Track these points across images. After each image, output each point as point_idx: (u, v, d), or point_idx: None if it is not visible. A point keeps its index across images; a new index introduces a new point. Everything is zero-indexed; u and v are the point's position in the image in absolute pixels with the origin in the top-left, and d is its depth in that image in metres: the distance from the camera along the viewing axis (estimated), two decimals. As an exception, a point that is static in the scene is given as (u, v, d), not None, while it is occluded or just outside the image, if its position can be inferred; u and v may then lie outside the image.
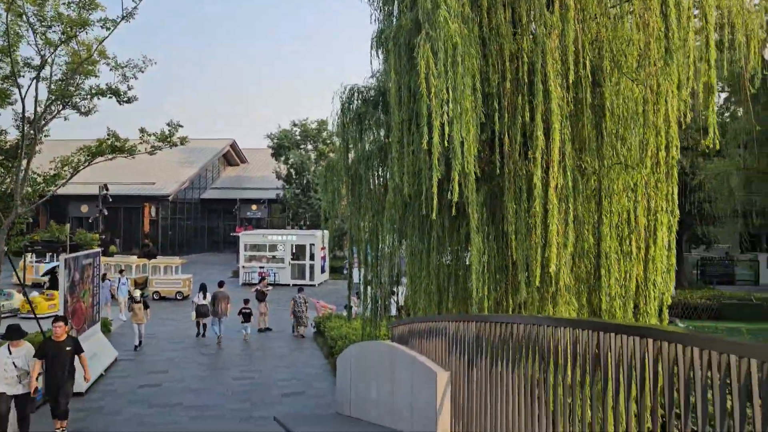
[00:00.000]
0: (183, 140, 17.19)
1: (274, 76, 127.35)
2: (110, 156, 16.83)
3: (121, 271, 24.81)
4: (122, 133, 17.10)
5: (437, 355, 6.61)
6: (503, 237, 9.88)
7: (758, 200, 24.38)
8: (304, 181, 43.32)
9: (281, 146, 43.18)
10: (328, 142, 44.05)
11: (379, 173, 11.86)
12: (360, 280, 13.85)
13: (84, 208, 49.08)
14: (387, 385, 8.21)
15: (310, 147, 44.51)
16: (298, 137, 43.94)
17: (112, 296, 23.10)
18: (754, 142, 19.65)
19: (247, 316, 19.60)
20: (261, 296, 21.23)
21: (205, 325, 19.74)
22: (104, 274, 25.24)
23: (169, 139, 16.91)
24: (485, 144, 10.24)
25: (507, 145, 9.19)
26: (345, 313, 21.89)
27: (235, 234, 40.40)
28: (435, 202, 9.71)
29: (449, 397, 6.08)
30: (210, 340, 19.07)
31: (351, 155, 12.49)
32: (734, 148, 21.96)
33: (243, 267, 33.98)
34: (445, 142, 8.11)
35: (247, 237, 34.85)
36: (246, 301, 20.21)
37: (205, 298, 19.71)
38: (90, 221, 49.24)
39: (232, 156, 61.41)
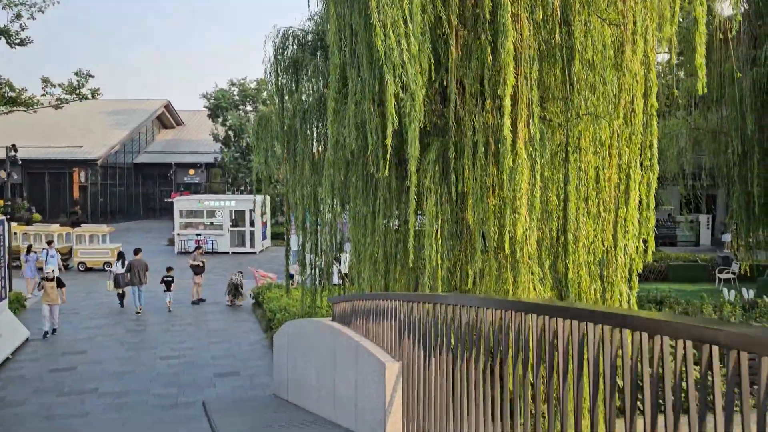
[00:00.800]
0: (94, 93, 15.29)
1: (209, 33, 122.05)
2: (4, 110, 14.76)
3: (49, 242, 22.13)
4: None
5: (386, 341, 5.51)
6: (458, 199, 8.82)
7: (704, 161, 24.17)
8: (244, 144, 41.27)
9: (218, 107, 40.87)
10: (269, 102, 41.96)
11: (318, 128, 10.55)
12: (299, 247, 12.65)
13: (3, 174, 45.61)
14: (329, 371, 7.10)
15: (249, 108, 42.34)
16: (237, 97, 41.67)
17: (40, 270, 20.74)
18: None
19: (168, 284, 18.43)
20: (197, 269, 19.68)
21: (124, 294, 18.71)
22: (29, 246, 22.95)
23: (77, 91, 14.97)
24: (437, 94, 9.09)
25: (466, 94, 8.04)
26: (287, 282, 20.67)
27: (170, 200, 38.22)
28: (382, 159, 8.56)
29: (401, 393, 5.01)
30: (136, 315, 17.53)
31: (288, 108, 11.12)
32: (684, 108, 21.53)
33: (179, 234, 32.07)
34: (398, 87, 6.88)
35: (182, 203, 32.87)
36: (168, 269, 18.97)
37: (123, 266, 18.67)
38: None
39: (167, 118, 58.30)
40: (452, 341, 4.52)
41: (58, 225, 27.87)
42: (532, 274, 7.62)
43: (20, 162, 25.06)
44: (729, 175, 19.37)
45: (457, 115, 8.53)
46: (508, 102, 6.82)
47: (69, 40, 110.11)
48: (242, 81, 41.36)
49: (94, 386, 11.44)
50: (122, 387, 11.44)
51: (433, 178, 8.45)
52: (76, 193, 48.46)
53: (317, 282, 12.43)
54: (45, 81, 14.88)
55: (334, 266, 17.13)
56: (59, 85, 15.10)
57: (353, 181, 9.42)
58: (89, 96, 15.13)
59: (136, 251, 19.11)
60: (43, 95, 15.23)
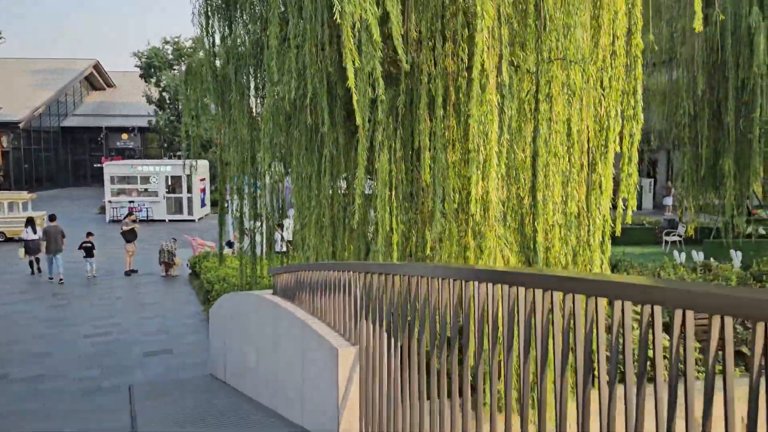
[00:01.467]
0: None
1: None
2: None
3: None
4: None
5: (339, 321, 4.57)
6: (413, 156, 7.92)
7: (653, 123, 23.98)
8: (179, 106, 39.02)
9: (151, 66, 38.39)
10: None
11: (257, 79, 9.34)
12: (235, 212, 11.54)
13: None
14: (269, 354, 6.14)
15: (184, 68, 39.92)
16: (171, 57, 39.23)
17: None
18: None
19: (88, 251, 17.52)
20: (129, 236, 18.18)
21: (38, 261, 17.89)
22: None
23: None
24: (388, 37, 8.07)
25: (422, 35, 7.05)
26: (227, 251, 19.43)
27: (100, 165, 35.93)
28: (327, 110, 7.56)
29: (358, 385, 4.11)
30: (59, 284, 16.05)
31: (220, 54, 9.86)
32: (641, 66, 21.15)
33: (110, 202, 30.13)
34: (353, 20, 5.83)
35: (113, 168, 30.83)
36: (88, 234, 17.94)
37: (35, 233, 17.87)
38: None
39: (96, 79, 54.90)
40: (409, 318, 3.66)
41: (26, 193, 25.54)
42: (498, 238, 6.80)
43: None
44: (679, 137, 19.03)
45: (413, 60, 7.57)
46: (482, 37, 5.86)
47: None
48: (176, 39, 38.94)
49: (4, 371, 10.12)
50: (37, 371, 10.17)
51: (386, 131, 7.48)
52: (-2, 159, 45.17)
53: (258, 250, 11.37)
54: None
55: (277, 233, 16.10)
56: None
57: (295, 137, 8.34)
58: None
59: (52, 217, 18.13)
60: None
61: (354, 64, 6.16)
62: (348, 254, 8.80)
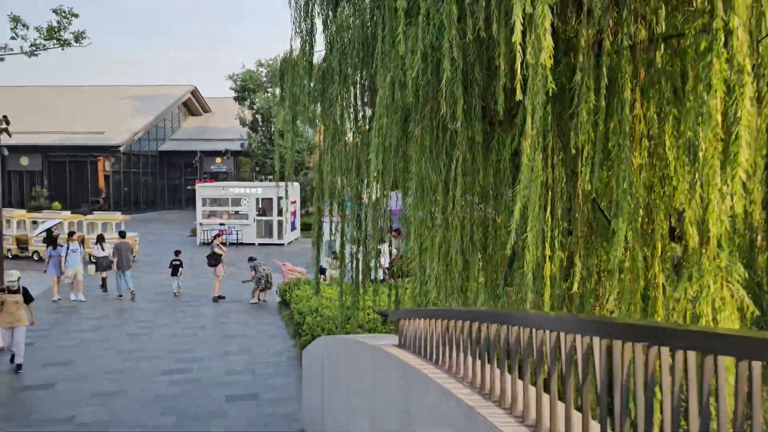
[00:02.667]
0: (79, 37, 12.43)
1: (239, 18, 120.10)
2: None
3: (71, 234, 17.76)
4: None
5: (522, 404, 2.60)
6: (567, 158, 5.94)
7: None
8: (272, 129, 38.66)
9: (245, 89, 38.30)
10: (280, 114, 39.20)
11: (365, 70, 7.60)
12: (332, 235, 9.81)
13: (24, 161, 43.90)
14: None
15: (278, 90, 39.62)
16: (265, 79, 39.05)
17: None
18: None
19: (176, 269, 17.33)
20: (214, 260, 17.02)
21: (105, 279, 17.87)
22: (52, 236, 18.55)
23: (57, 35, 12.17)
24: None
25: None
26: (320, 277, 17.88)
27: (193, 187, 35.84)
28: (461, 100, 5.71)
29: None
30: (144, 315, 14.95)
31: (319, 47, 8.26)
32: None
33: (201, 224, 29.60)
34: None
35: (204, 190, 30.40)
36: (177, 252, 17.73)
37: (104, 249, 17.84)
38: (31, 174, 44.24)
39: (194, 105, 56.16)
40: None
41: (68, 212, 25.54)
42: (726, 280, 4.60)
43: (10, 135, 21.86)
44: None
45: (578, 29, 5.62)
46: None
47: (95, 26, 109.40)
48: (271, 61, 38.71)
49: (68, 413, 8.77)
50: (105, 414, 8.75)
51: (541, 125, 5.50)
52: (100, 182, 46.57)
53: (359, 279, 9.60)
54: (15, 20, 12.03)
55: (379, 258, 14.35)
56: (36, 28, 12.22)
57: (415, 137, 6.49)
58: (72, 41, 12.36)
59: (122, 234, 18.46)
60: (13, 38, 12.40)
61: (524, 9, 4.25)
62: (477, 287, 6.82)
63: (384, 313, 11.76)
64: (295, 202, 31.44)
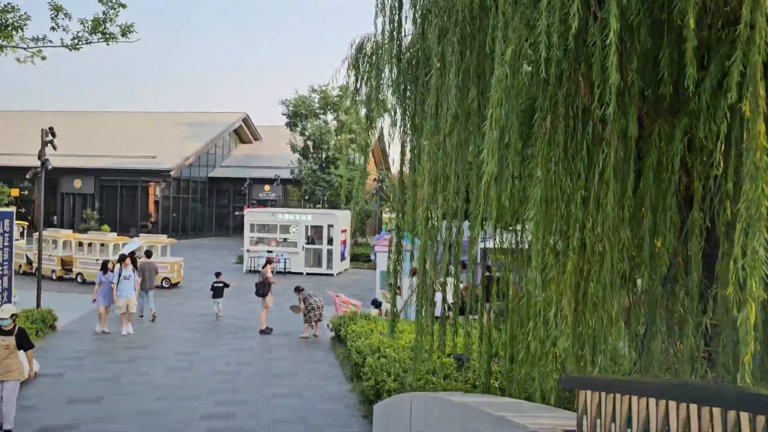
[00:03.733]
0: (126, 30, 11.29)
1: (291, 48, 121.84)
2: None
3: (122, 259, 15.27)
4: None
5: None
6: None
7: None
8: (323, 156, 37.69)
9: (297, 114, 37.51)
10: (351, 111, 38.25)
11: (469, 53, 6.03)
12: (393, 265, 8.21)
13: (77, 183, 44.04)
14: None
15: (330, 117, 38.79)
16: (317, 105, 38.23)
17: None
18: None
19: (218, 291, 16.98)
20: (264, 288, 15.53)
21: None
22: (104, 262, 16.03)
23: (102, 27, 11.03)
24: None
25: None
26: (374, 312, 16.28)
27: (241, 213, 34.94)
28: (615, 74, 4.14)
29: None
30: (184, 345, 13.55)
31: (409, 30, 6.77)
32: None
33: (248, 251, 28.47)
34: None
35: (253, 215, 29.34)
36: (218, 274, 17.42)
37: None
38: (83, 196, 44.32)
39: (245, 132, 56.02)
40: None
41: (114, 234, 24.73)
42: None
43: (49, 164, 20.62)
44: None
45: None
46: None
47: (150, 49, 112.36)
48: (323, 87, 37.94)
49: (89, 466, 7.30)
50: (132, 470, 7.24)
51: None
52: (150, 207, 46.39)
53: (443, 315, 7.96)
54: (56, 9, 10.94)
55: (438, 293, 12.72)
56: (79, 20, 11.13)
57: (544, 130, 4.89)
58: (118, 35, 11.25)
59: (148, 253, 17.99)
60: (53, 29, 11.34)
61: None
62: (618, 338, 5.10)
63: (461, 358, 10.06)
64: (345, 230, 30.09)
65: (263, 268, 16.37)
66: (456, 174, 5.79)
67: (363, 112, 6.92)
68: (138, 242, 22.67)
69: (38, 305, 15.25)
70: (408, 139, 6.78)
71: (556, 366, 5.59)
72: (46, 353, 12.45)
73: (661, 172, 4.66)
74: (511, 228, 6.63)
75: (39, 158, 14.57)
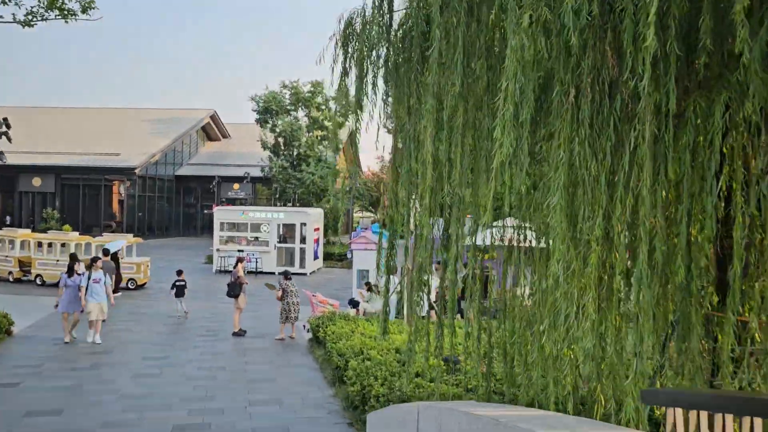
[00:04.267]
0: (87, 6, 10.45)
1: (263, 40, 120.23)
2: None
3: (94, 260, 14.06)
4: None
5: None
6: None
7: None
8: (294, 153, 36.88)
9: (268, 110, 36.62)
10: (323, 108, 37.57)
11: (470, 29, 5.45)
12: (400, 256, 7.61)
13: (37, 181, 42.35)
14: None
15: (301, 114, 37.97)
16: (288, 101, 37.38)
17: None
18: None
19: (180, 290, 16.83)
20: (236, 289, 14.77)
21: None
22: (70, 263, 14.72)
23: (60, 2, 10.13)
24: None
25: None
26: (351, 312, 15.64)
27: (210, 211, 33.95)
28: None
29: None
30: (153, 350, 12.75)
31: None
32: None
33: (218, 250, 27.56)
34: None
35: (223, 213, 28.43)
36: (179, 272, 17.21)
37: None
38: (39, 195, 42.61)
39: (213, 129, 54.75)
40: None
41: (76, 234, 23.60)
42: None
43: (10, 139, 19.41)
44: None
45: None
46: None
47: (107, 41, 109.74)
48: (295, 83, 37.12)
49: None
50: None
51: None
52: (114, 206, 44.91)
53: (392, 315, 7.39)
54: None
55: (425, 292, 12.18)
56: None
57: (568, 104, 4.35)
58: (78, 12, 10.41)
59: (105, 252, 17.50)
60: (4, 3, 10.45)
61: None
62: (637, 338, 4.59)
63: (450, 360, 9.52)
64: (318, 229, 29.40)
65: (234, 267, 15.59)
66: (461, 159, 5.22)
67: (352, 91, 6.27)
68: (122, 241, 21.73)
69: (-7, 310, 14.24)
70: (402, 123, 6.19)
71: (572, 369, 5.09)
72: (9, 359, 11.56)
73: (698, 153, 4.18)
74: (516, 219, 6.10)
75: (-7, 152, 13.58)
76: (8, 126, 13.45)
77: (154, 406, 9.30)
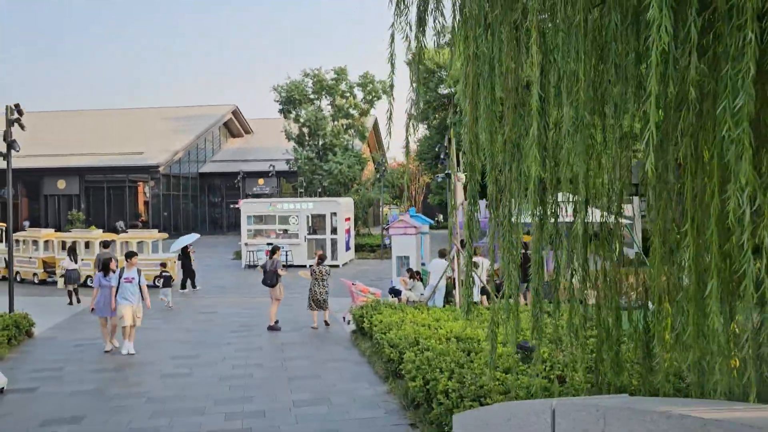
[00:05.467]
0: None
1: (278, 41, 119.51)
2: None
3: (129, 256, 11.87)
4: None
5: None
6: None
7: None
8: (320, 143, 35.71)
9: (291, 100, 35.48)
10: (347, 95, 36.32)
11: None
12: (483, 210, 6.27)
13: (61, 184, 41.88)
14: None
15: (325, 102, 36.77)
16: (310, 90, 36.19)
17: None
18: None
19: (167, 280, 17.45)
20: (272, 279, 13.63)
21: (77, 291, 16.92)
22: (104, 260, 12.81)
23: None
24: None
25: None
26: (394, 299, 14.37)
27: (236, 207, 32.93)
28: None
29: None
30: (181, 348, 11.65)
31: None
32: None
33: (246, 245, 26.52)
34: None
35: (250, 206, 27.40)
36: (163, 264, 17.92)
37: (75, 261, 17.21)
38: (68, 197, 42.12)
39: (235, 125, 53.97)
40: None
41: (100, 231, 22.70)
42: None
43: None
44: None
45: None
46: None
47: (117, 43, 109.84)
48: (317, 71, 35.93)
49: None
50: None
51: None
52: (139, 207, 44.32)
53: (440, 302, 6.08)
54: None
55: (475, 275, 10.87)
56: None
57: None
58: None
59: (105, 244, 16.63)
60: None
61: None
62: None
63: (525, 346, 8.20)
64: (349, 219, 28.20)
65: (271, 257, 14.22)
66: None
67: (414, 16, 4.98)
68: (195, 235, 21.03)
69: (11, 308, 13.30)
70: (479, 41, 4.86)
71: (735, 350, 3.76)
72: (17, 364, 10.55)
73: None
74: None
75: (4, 139, 12.60)
76: (20, 113, 12.43)
77: (185, 410, 8.15)
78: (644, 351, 4.91)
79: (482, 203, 7.85)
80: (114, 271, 11.81)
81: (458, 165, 13.83)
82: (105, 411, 8.15)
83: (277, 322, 13.44)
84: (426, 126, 52.12)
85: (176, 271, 21.37)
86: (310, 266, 13.90)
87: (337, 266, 25.49)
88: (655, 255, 3.97)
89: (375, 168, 37.22)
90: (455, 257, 12.97)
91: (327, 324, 13.49)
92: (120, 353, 11.12)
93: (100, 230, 23.49)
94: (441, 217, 48.43)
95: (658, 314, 4.24)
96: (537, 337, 5.15)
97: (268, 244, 25.70)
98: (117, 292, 11.29)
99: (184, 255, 19.93)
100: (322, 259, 14.13)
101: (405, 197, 45.32)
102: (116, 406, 8.35)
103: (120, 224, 31.68)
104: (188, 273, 19.99)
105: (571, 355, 6.91)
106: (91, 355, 11.24)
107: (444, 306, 13.11)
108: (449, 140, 24.11)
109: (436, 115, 42.23)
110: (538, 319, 5.04)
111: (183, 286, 19.76)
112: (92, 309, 11.88)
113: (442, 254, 14.22)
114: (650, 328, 4.76)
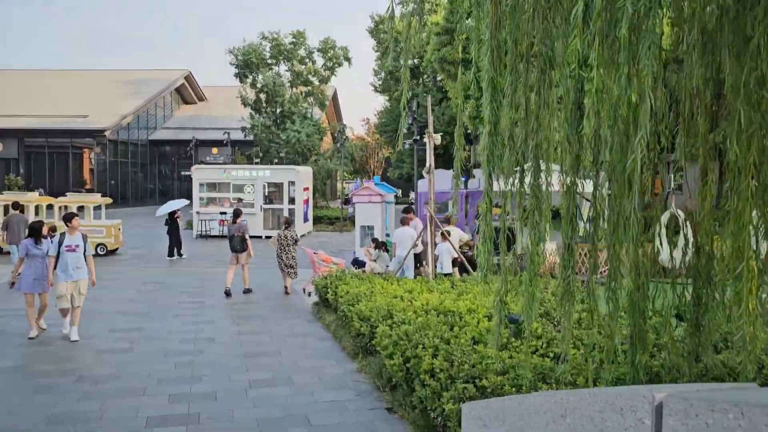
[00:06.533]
0: None
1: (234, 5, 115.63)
2: None
3: (68, 219, 9.39)
4: None
5: None
6: None
7: None
8: (277, 110, 34.12)
9: (248, 64, 33.66)
10: (307, 61, 34.76)
11: None
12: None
13: (-4, 147, 39.12)
14: None
15: (284, 68, 35.12)
16: (268, 55, 34.43)
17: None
18: None
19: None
20: (241, 244, 12.67)
21: None
22: (33, 225, 9.81)
23: None
24: None
25: None
26: (358, 271, 13.33)
27: (187, 173, 31.21)
28: None
29: None
30: (130, 305, 10.37)
31: None
32: None
33: (198, 213, 25.01)
34: None
35: (201, 172, 25.82)
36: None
37: None
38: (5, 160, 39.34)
39: (188, 91, 51.57)
40: None
41: (37, 194, 20.85)
42: None
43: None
44: None
45: None
46: None
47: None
48: (275, 34, 34.18)
49: None
50: None
51: None
52: (85, 173, 41.90)
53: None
54: None
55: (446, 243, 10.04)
56: None
57: None
58: None
59: (15, 205, 15.70)
60: None
61: None
62: None
63: (516, 319, 7.31)
64: (307, 189, 26.94)
65: (234, 221, 13.11)
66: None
67: None
68: (184, 201, 19.49)
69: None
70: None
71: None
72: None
73: None
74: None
75: None
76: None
77: (121, 391, 6.96)
78: (693, 326, 4.00)
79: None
80: (50, 237, 9.81)
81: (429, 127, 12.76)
82: (25, 392, 6.89)
83: (248, 288, 12.65)
84: (387, 98, 50.94)
85: (120, 239, 19.85)
86: (279, 236, 13.13)
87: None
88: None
89: (333, 139, 35.96)
90: (427, 226, 11.98)
91: (287, 293, 12.65)
92: (61, 334, 9.67)
93: (37, 193, 21.52)
94: (400, 192, 47.47)
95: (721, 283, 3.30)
96: (567, 303, 4.14)
97: (222, 213, 24.32)
98: (56, 264, 9.17)
99: (171, 221, 18.49)
100: (288, 224, 13.59)
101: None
102: (40, 386, 7.10)
103: (40, 191, 29.41)
104: (175, 240, 18.60)
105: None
106: (14, 327, 9.84)
107: (415, 278, 12.14)
108: (418, 105, 23.13)
109: (398, 87, 41.06)
110: (569, 283, 4.05)
111: (171, 254, 18.35)
112: (12, 284, 9.52)
113: (405, 222, 13.15)
114: (702, 298, 3.83)
